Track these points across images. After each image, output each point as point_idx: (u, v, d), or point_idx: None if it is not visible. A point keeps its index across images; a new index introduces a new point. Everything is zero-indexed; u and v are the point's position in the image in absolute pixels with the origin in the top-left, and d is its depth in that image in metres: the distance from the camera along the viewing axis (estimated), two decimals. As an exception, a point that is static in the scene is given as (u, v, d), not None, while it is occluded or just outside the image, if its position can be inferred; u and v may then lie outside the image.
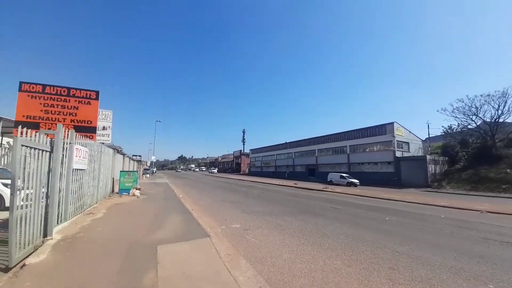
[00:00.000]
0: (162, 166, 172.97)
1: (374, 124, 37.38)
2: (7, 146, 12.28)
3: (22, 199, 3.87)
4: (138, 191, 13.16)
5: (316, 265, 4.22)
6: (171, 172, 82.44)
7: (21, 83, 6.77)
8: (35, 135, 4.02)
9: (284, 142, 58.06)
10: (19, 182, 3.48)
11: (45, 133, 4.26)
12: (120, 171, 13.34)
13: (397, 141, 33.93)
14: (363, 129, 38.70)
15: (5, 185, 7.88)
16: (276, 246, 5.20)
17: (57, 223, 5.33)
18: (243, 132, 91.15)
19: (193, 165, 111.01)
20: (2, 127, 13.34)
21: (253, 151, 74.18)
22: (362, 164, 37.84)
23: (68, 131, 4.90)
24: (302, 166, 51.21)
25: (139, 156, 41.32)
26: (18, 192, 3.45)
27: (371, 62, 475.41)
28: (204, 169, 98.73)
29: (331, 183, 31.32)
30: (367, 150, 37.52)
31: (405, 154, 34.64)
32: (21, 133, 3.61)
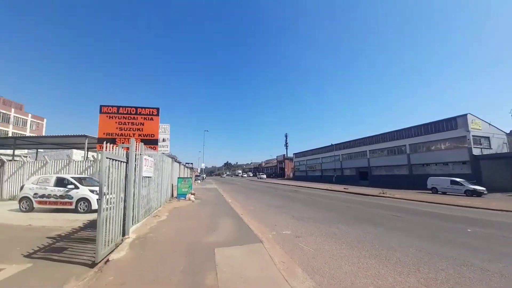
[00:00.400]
0: (210, 172, 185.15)
1: (440, 119, 32.13)
2: (92, 159, 15.07)
3: (106, 202, 4.61)
4: (193, 196, 14.30)
5: (385, 282, 3.75)
6: (218, 178, 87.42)
7: (101, 106, 8.29)
8: (115, 148, 4.78)
9: (330, 144, 55.10)
10: (105, 189, 4.16)
11: (122, 147, 5.05)
12: (178, 178, 14.80)
13: (473, 136, 28.25)
14: (426, 125, 33.62)
15: (91, 191, 9.59)
16: (333, 256, 4.85)
17: (132, 224, 6.17)
18: (286, 136, 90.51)
19: (240, 171, 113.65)
20: (88, 143, 16.39)
21: (297, 155, 72.69)
22: (428, 165, 32.69)
23: (138, 144, 5.73)
24: (352, 169, 47.50)
25: (191, 163, 45.17)
26: (104, 197, 4.13)
27: (424, 53, 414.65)
28: (252, 175, 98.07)
29: (434, 191, 23.41)
30: (432, 149, 32.34)
31: (486, 152, 28.54)
32: (105, 148, 4.34)
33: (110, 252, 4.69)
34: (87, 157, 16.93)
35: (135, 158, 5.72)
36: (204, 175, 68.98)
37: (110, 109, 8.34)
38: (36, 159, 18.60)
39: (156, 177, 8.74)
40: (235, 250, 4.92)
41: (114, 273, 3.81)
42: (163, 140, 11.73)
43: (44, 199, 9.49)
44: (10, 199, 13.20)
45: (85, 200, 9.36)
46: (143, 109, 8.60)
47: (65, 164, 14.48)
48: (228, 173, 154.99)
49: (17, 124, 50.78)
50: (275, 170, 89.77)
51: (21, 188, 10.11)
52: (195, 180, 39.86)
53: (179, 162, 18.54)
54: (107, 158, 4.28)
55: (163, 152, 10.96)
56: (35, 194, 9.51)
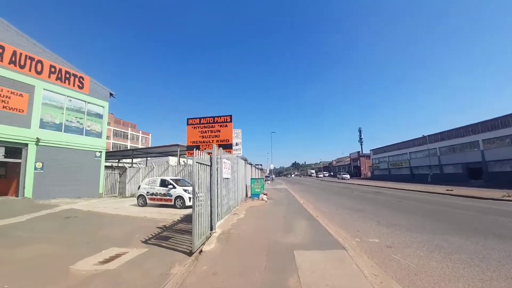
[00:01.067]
0: (278, 173, 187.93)
1: None
2: (183, 163, 18.04)
3: (197, 200, 5.29)
4: (265, 196, 14.82)
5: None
6: (286, 178, 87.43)
7: (187, 119, 9.87)
8: (200, 154, 5.48)
9: (421, 135, 45.53)
10: (196, 188, 4.81)
11: (206, 152, 5.77)
12: (251, 179, 15.73)
13: None
14: None
15: (185, 190, 11.39)
16: (446, 276, 3.87)
17: (217, 220, 6.90)
18: (359, 131, 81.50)
19: (312, 171, 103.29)
20: (179, 150, 19.58)
21: (375, 151, 63.94)
22: None
23: (218, 149, 6.43)
24: (456, 165, 37.48)
25: (260, 164, 47.22)
26: (197, 195, 4.78)
27: None
28: (327, 174, 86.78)
29: None
30: None
31: None
32: (195, 154, 5.03)
33: (202, 244, 5.36)
34: (179, 162, 20.40)
35: (217, 162, 6.41)
36: (273, 176, 70.72)
37: (194, 121, 9.79)
38: (146, 165, 23.93)
39: (233, 178, 9.53)
40: (315, 254, 4.69)
41: (207, 263, 4.31)
42: (236, 144, 12.77)
43: (153, 196, 11.98)
44: (130, 196, 17.37)
45: (180, 198, 11.24)
46: (219, 118, 9.61)
47: (165, 168, 17.91)
48: (296, 173, 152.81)
49: (133, 139, 66.97)
50: (349, 169, 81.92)
51: (138, 187, 13.13)
52: (265, 180, 41.31)
53: (251, 164, 19.69)
54: (196, 162, 4.96)
55: (237, 155, 11.93)
56: (147, 192, 12.14)
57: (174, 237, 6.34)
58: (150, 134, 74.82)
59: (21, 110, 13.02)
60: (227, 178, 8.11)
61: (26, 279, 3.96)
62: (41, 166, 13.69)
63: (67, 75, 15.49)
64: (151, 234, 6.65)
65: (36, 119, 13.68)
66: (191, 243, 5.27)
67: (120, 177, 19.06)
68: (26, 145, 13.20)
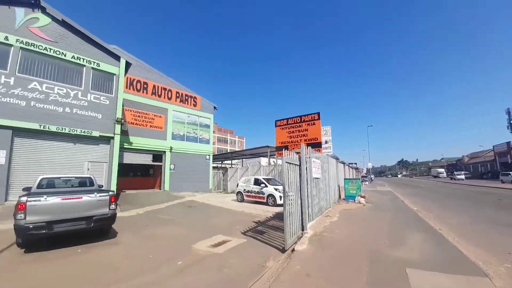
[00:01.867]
0: (379, 172, 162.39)
1: None
2: (272, 164, 19.02)
3: (288, 199, 5.36)
4: (363, 198, 13.13)
5: None
6: (389, 179, 73.56)
7: (276, 121, 10.30)
8: (289, 154, 5.55)
9: None
10: (287, 187, 4.90)
11: (295, 152, 5.79)
12: (344, 179, 14.42)
13: None
14: None
15: (275, 189, 11.90)
16: None
17: (308, 220, 6.74)
18: (508, 113, 57.03)
19: (441, 170, 74.95)
20: (269, 151, 20.73)
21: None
22: None
23: (307, 148, 6.30)
24: None
25: (355, 163, 42.35)
26: (287, 194, 4.87)
27: None
28: (463, 175, 58.23)
29: None
30: None
31: None
32: (284, 154, 5.16)
33: (294, 243, 5.38)
34: (269, 162, 21.70)
35: (306, 161, 6.29)
36: (372, 176, 61.55)
37: (281, 122, 10.13)
38: (242, 166, 27.11)
39: (324, 178, 9.04)
40: (440, 278, 3.63)
41: (299, 263, 4.26)
42: (326, 142, 12.05)
43: (249, 193, 13.28)
44: (231, 192, 20.02)
45: (272, 196, 11.86)
46: (306, 116, 9.44)
47: (257, 168, 19.53)
48: (404, 172, 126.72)
49: (231, 143, 77.56)
50: (491, 167, 57.99)
51: (237, 185, 14.94)
52: (362, 181, 36.68)
53: (343, 163, 18.06)
54: (285, 162, 5.07)
55: (327, 153, 11.23)
56: (244, 190, 13.62)
57: (268, 232, 6.72)
58: (244, 138, 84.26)
59: (160, 127, 18.00)
60: (317, 178, 7.79)
61: (165, 250, 5.36)
62: (173, 167, 18.31)
63: (186, 97, 20.03)
64: (248, 227, 7.36)
65: (169, 133, 18.51)
66: (283, 240, 5.43)
67: (223, 175, 22.53)
68: (164, 152, 18.06)
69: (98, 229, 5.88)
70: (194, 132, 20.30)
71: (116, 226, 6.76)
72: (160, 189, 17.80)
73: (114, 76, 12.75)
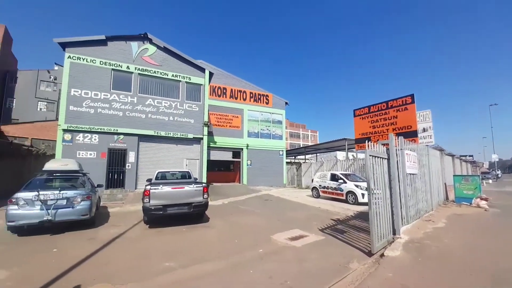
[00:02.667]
0: (509, 167, 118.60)
1: None
2: (352, 157, 17.26)
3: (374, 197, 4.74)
4: (484, 201, 9.96)
5: None
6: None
7: (354, 110, 9.27)
8: (374, 146, 4.87)
9: None
10: (372, 184, 4.34)
11: (381, 143, 5.03)
12: (453, 176, 11.36)
13: None
14: None
15: (356, 186, 10.76)
16: None
17: (401, 224, 5.74)
18: None
19: None
20: (347, 144, 19.00)
21: None
22: None
23: (397, 138, 5.33)
24: None
25: (470, 156, 32.58)
26: (373, 192, 4.31)
27: None
28: None
29: None
30: None
31: None
32: (368, 146, 4.58)
33: (383, 248, 4.72)
34: (347, 157, 19.87)
35: (396, 154, 5.36)
36: (499, 172, 45.66)
37: (362, 111, 9.01)
38: (316, 161, 26.04)
39: (422, 174, 7.43)
40: None
41: (391, 270, 3.71)
42: (424, 130, 9.75)
43: (325, 189, 12.63)
44: (305, 188, 19.60)
45: (352, 193, 10.81)
46: (394, 101, 7.99)
47: (333, 163, 18.29)
48: None
49: (303, 138, 75.88)
50: None
51: (312, 180, 14.50)
52: (482, 178, 27.85)
53: (451, 155, 14.23)
54: (370, 155, 4.49)
55: (426, 144, 9.08)
56: (319, 185, 13.06)
57: (349, 232, 6.19)
58: (317, 132, 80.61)
59: (238, 127, 19.76)
60: (413, 174, 6.48)
61: (248, 237, 5.86)
62: (250, 163, 19.73)
63: (259, 96, 21.11)
64: (326, 224, 7.01)
65: (245, 131, 20.06)
66: (368, 243, 4.94)
67: (296, 171, 22.40)
68: (242, 149, 19.72)
69: (195, 214, 7.11)
70: (267, 129, 21.11)
71: (208, 213, 7.95)
72: (239, 183, 19.58)
73: (201, 86, 15.00)
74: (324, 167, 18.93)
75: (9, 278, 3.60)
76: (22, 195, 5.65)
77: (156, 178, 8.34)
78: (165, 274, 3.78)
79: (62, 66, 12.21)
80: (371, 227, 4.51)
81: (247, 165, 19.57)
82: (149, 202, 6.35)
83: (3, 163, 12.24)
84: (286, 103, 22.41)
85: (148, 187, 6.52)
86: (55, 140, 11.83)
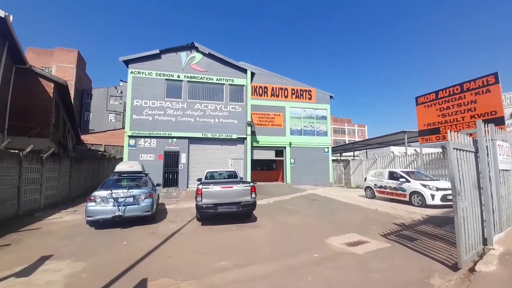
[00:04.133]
0: None
1: None
2: (414, 152, 15.04)
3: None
4: None
5: None
6: None
7: (416, 98, 7.92)
8: (455, 136, 3.97)
9: None
10: (457, 185, 3.53)
11: (466, 133, 4.08)
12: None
13: None
14: None
15: (423, 185, 9.28)
16: None
17: (493, 232, 4.61)
18: None
19: None
20: (407, 138, 16.77)
21: None
22: None
23: (487, 127, 4.23)
24: None
25: None
26: (458, 193, 3.50)
27: None
28: None
29: None
30: None
31: None
32: (451, 137, 3.75)
33: (472, 261, 3.85)
34: (406, 152, 17.47)
35: (486, 146, 4.30)
36: None
37: (427, 98, 7.67)
38: (366, 158, 23.74)
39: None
40: None
41: (490, 291, 2.95)
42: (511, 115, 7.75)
43: (382, 189, 11.30)
44: (356, 187, 18.00)
45: (418, 194, 9.35)
46: (472, 82, 6.48)
47: (390, 160, 16.32)
48: None
49: (349, 134, 70.63)
50: None
51: (365, 179, 13.19)
52: None
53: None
54: (454, 149, 3.66)
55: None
56: (375, 185, 11.76)
57: (420, 239, 5.29)
58: (365, 126, 73.97)
59: (280, 125, 19.46)
60: (506, 170, 5.15)
61: (299, 239, 5.56)
62: (293, 161, 19.21)
63: (301, 92, 20.40)
64: (389, 230, 6.17)
65: (287, 129, 19.62)
66: (450, 254, 4.19)
67: (344, 169, 20.81)
68: (284, 147, 19.35)
69: (244, 213, 7.14)
70: (310, 126, 20.22)
71: (255, 212, 7.93)
72: (283, 182, 19.24)
73: (243, 87, 15.27)
74: (377, 164, 17.06)
75: (85, 269, 3.99)
76: (99, 193, 6.57)
77: (206, 177, 8.73)
78: (221, 273, 3.81)
79: (126, 82, 14.04)
80: (457, 236, 3.70)
81: (290, 163, 19.12)
82: (201, 200, 6.65)
83: (85, 166, 14.74)
84: (331, 96, 21.07)
85: (200, 186, 6.83)
86: (123, 146, 13.65)
